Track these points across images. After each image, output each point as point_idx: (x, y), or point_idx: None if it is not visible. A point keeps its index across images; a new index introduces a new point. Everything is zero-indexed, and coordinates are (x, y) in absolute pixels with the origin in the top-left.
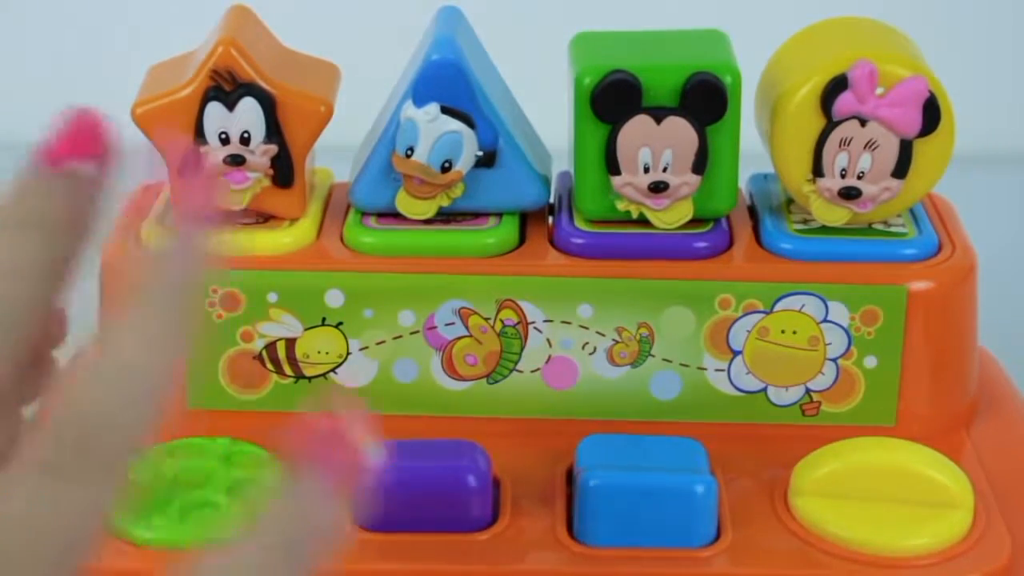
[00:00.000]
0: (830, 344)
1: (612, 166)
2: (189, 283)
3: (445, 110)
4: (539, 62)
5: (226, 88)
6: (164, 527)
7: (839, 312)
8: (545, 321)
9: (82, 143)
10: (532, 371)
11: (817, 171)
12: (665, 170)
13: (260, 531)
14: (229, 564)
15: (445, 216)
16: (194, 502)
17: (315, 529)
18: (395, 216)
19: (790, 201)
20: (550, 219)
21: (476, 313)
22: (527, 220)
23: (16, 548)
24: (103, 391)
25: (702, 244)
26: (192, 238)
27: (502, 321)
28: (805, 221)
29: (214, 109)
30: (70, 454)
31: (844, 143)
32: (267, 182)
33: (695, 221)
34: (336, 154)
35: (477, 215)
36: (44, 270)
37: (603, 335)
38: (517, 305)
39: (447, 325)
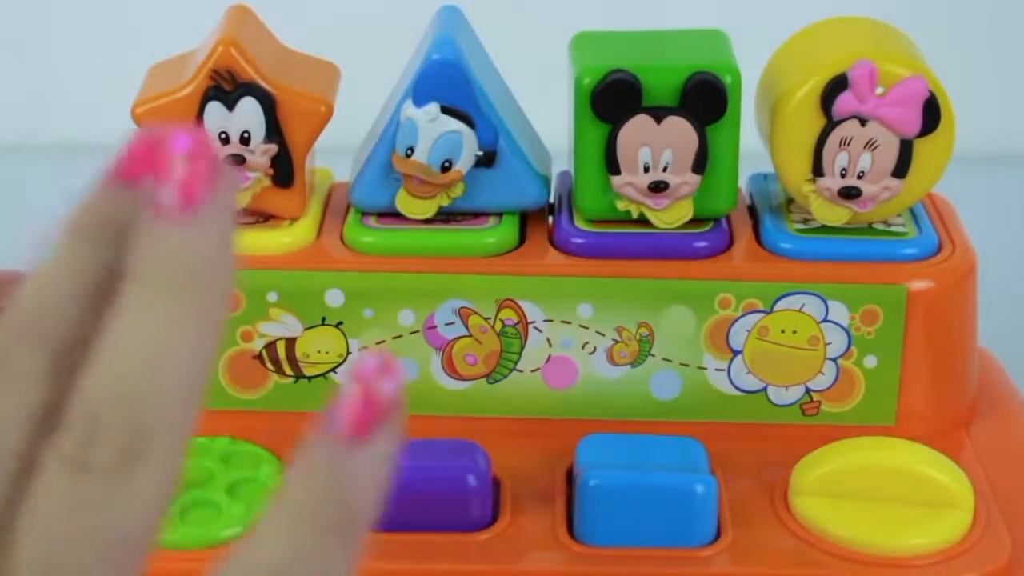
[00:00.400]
0: (830, 344)
1: (612, 166)
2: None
3: (445, 110)
4: (539, 62)
5: (226, 88)
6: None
7: (839, 312)
8: (545, 321)
9: (155, 161)
10: (532, 371)
11: (817, 171)
12: (665, 170)
13: (285, 506)
14: (261, 555)
15: (445, 216)
16: (194, 502)
17: (347, 491)
18: (395, 216)
19: (790, 201)
20: (550, 219)
21: (476, 313)
22: (527, 220)
23: (64, 556)
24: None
25: (702, 244)
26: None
27: (502, 321)
28: (805, 221)
29: (214, 109)
30: (113, 450)
31: (844, 143)
32: (267, 182)
33: (695, 221)
34: (336, 154)
35: (477, 215)
36: (94, 280)
37: (603, 335)
38: (517, 305)
39: (447, 325)
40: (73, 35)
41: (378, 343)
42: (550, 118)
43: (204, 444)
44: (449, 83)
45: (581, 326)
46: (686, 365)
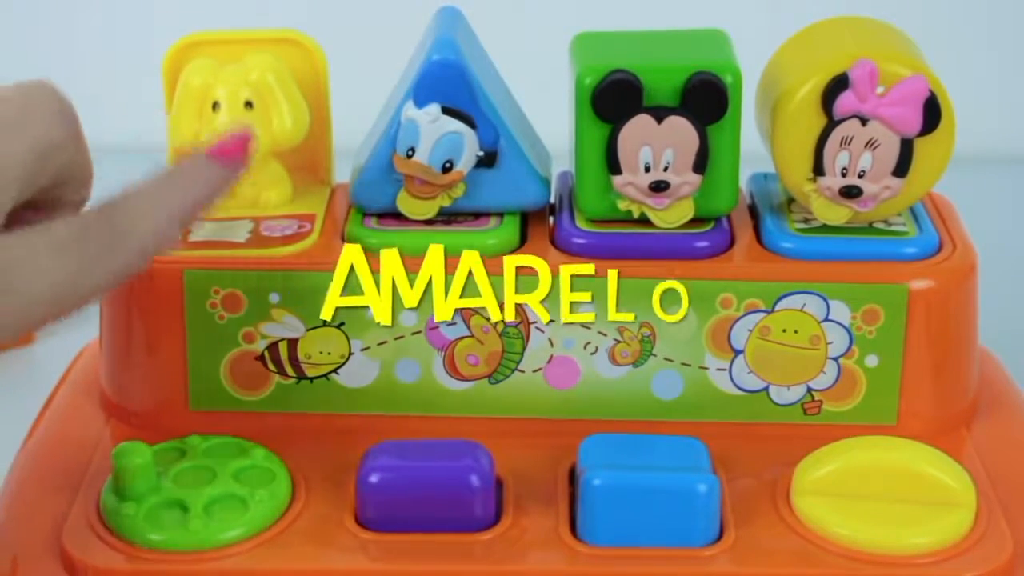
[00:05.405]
0: (831, 343)
1: (613, 166)
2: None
3: (446, 111)
4: (539, 62)
5: None
6: (164, 528)
7: (840, 311)
8: (547, 321)
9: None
10: (534, 371)
11: (818, 170)
12: (666, 169)
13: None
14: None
15: (446, 216)
16: (195, 502)
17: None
18: (396, 216)
19: (791, 200)
20: (551, 219)
21: (478, 313)
22: (528, 220)
23: None
24: None
25: (703, 244)
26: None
27: (504, 321)
28: (806, 220)
29: None
30: None
31: (845, 142)
32: None
33: (696, 221)
34: (337, 154)
35: (478, 215)
36: None
37: (605, 335)
38: (519, 305)
39: (449, 325)
40: (73, 34)
41: (380, 344)
42: (550, 118)
43: (204, 444)
44: (450, 84)
45: (583, 326)
46: (687, 365)
